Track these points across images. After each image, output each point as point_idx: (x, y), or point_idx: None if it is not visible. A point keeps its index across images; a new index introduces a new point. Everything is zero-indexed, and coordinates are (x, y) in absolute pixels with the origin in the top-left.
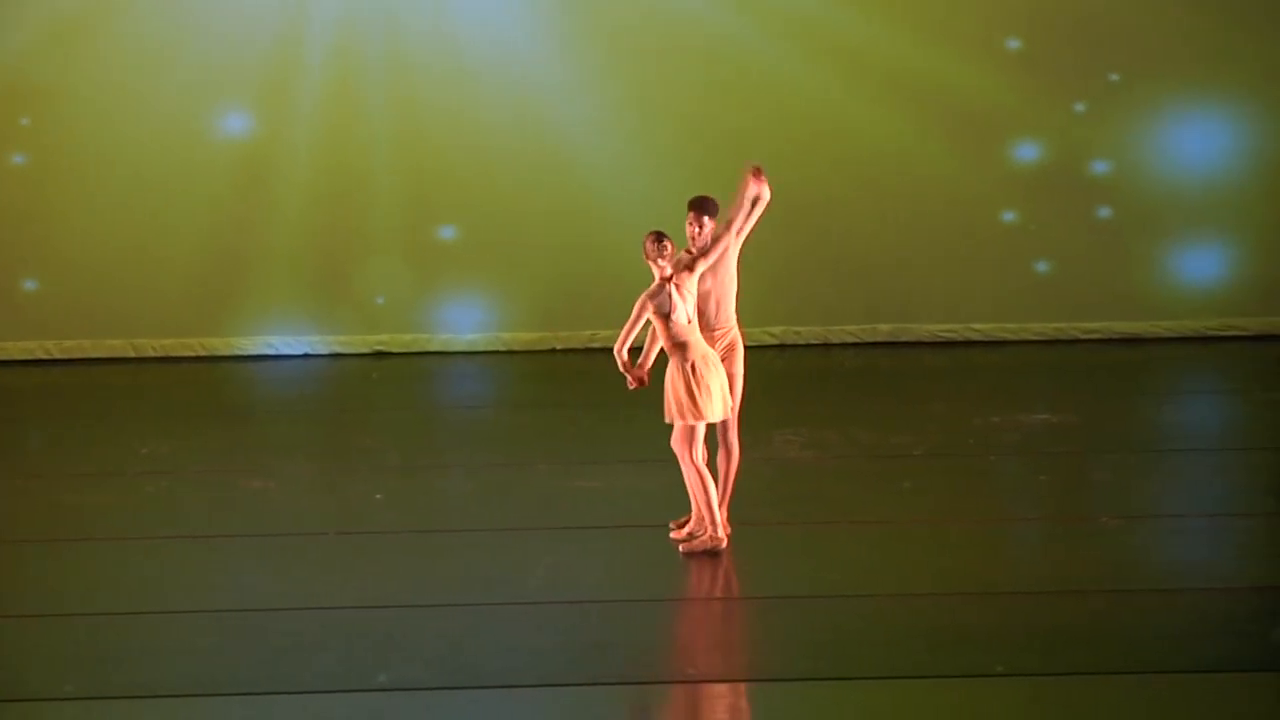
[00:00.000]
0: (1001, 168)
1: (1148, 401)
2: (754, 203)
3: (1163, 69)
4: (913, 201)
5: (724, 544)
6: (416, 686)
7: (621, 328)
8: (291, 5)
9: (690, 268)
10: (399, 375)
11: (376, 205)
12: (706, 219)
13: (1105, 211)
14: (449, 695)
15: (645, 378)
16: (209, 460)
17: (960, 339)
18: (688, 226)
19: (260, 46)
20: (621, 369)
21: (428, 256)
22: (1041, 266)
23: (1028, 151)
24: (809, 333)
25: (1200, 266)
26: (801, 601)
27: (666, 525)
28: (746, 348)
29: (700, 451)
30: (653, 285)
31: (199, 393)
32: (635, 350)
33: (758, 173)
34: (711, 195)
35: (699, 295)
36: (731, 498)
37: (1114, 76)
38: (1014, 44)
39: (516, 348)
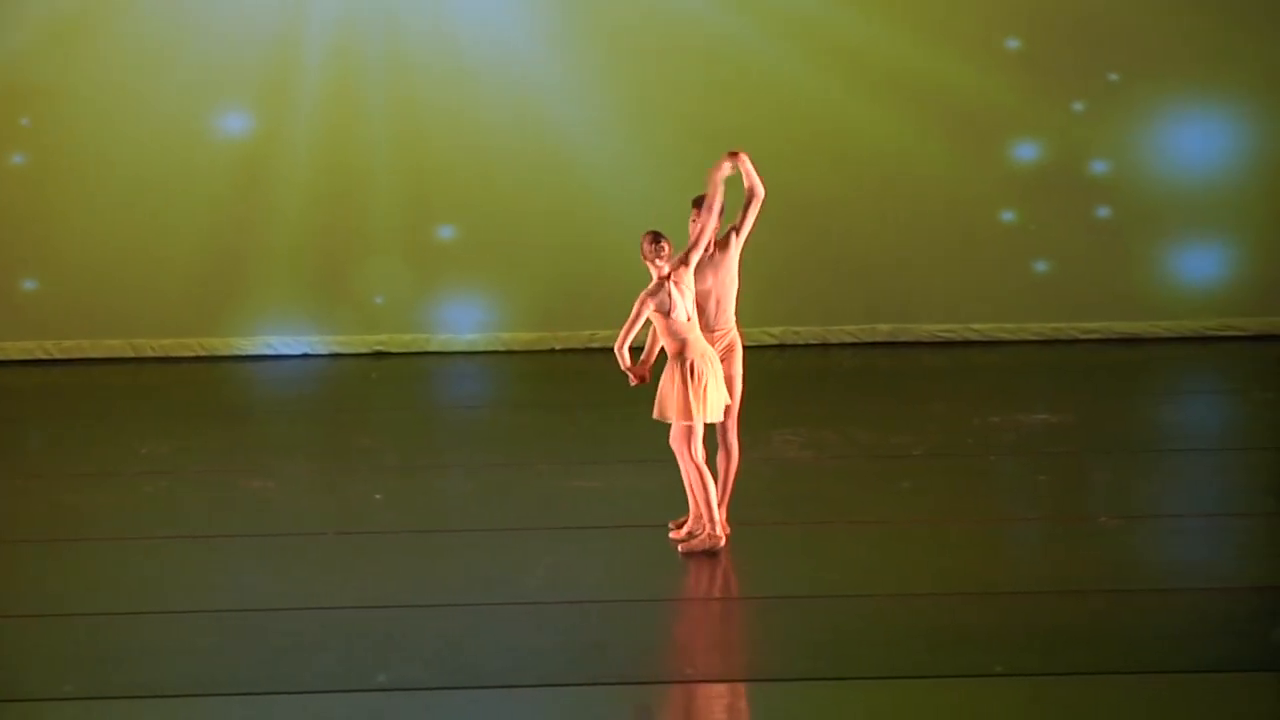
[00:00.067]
0: (1001, 167)
1: (1147, 401)
2: (749, 200)
3: (1162, 69)
4: (912, 201)
5: (722, 542)
6: (416, 686)
7: (621, 327)
8: (291, 5)
9: (685, 261)
10: (398, 375)
11: (376, 205)
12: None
13: (1104, 211)
14: (449, 695)
15: (646, 375)
16: (208, 460)
17: (959, 339)
18: (691, 224)
19: (260, 46)
20: (622, 367)
21: (427, 256)
22: (1041, 266)
23: (1027, 151)
24: (808, 333)
25: (1199, 266)
26: (801, 601)
27: (666, 525)
28: (746, 348)
29: (699, 449)
30: (651, 284)
31: (198, 393)
32: (635, 350)
33: (734, 155)
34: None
35: (699, 294)
36: (731, 498)
37: (1113, 76)
38: (1013, 44)
39: (516, 348)
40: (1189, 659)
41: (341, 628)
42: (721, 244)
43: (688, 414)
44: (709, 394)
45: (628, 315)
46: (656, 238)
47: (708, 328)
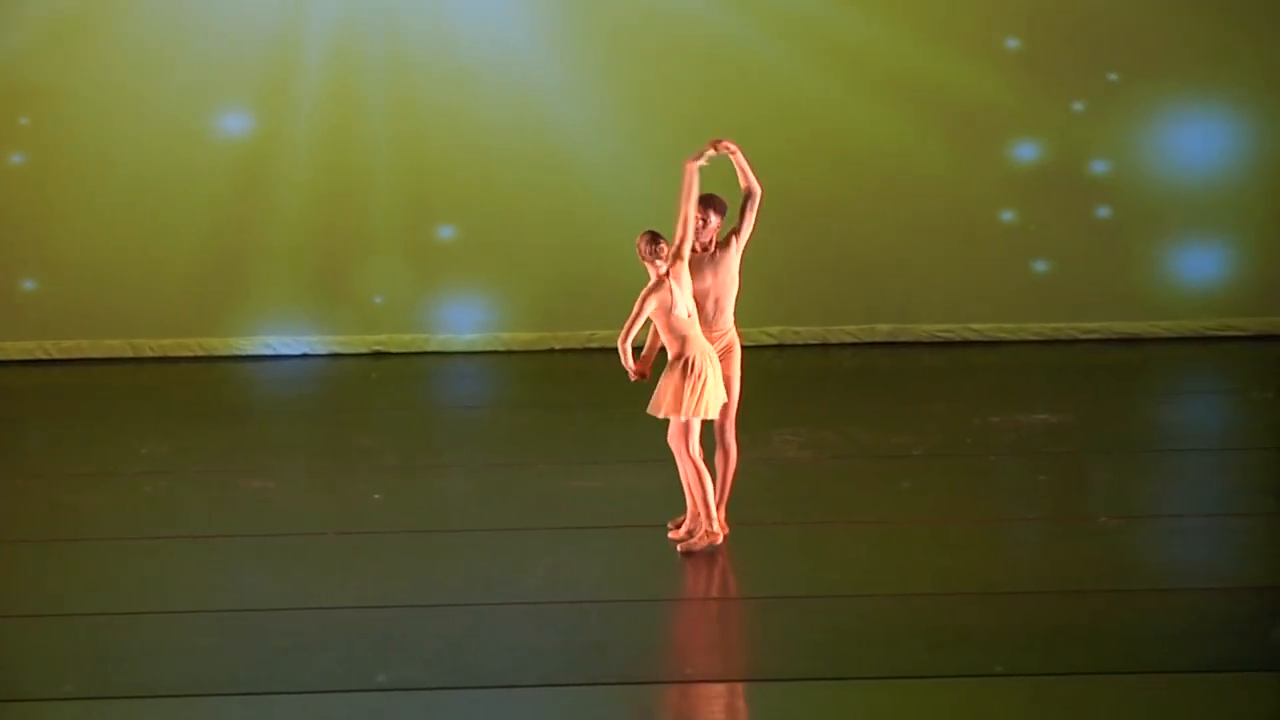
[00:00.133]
0: (1000, 167)
1: (1147, 401)
2: (746, 201)
3: (1162, 68)
4: (912, 201)
5: (720, 539)
6: (416, 686)
7: (621, 327)
8: (291, 5)
9: (679, 255)
10: (398, 375)
11: (376, 205)
12: (712, 214)
13: (1104, 211)
14: (448, 695)
15: (647, 371)
16: (208, 460)
17: (959, 339)
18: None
19: (260, 46)
20: (624, 362)
21: (427, 256)
22: (1040, 266)
23: (1027, 151)
24: (808, 332)
25: (1199, 266)
26: (800, 601)
27: (666, 525)
28: (744, 348)
29: (697, 446)
30: (651, 282)
31: (198, 393)
32: (636, 349)
33: (718, 143)
34: (719, 194)
35: (696, 293)
36: (730, 498)
37: (1113, 76)
38: (1013, 43)
39: (515, 348)
40: (1189, 659)
41: (341, 628)
42: (723, 244)
43: (680, 408)
44: (707, 391)
45: (627, 315)
46: (655, 238)
47: (706, 328)
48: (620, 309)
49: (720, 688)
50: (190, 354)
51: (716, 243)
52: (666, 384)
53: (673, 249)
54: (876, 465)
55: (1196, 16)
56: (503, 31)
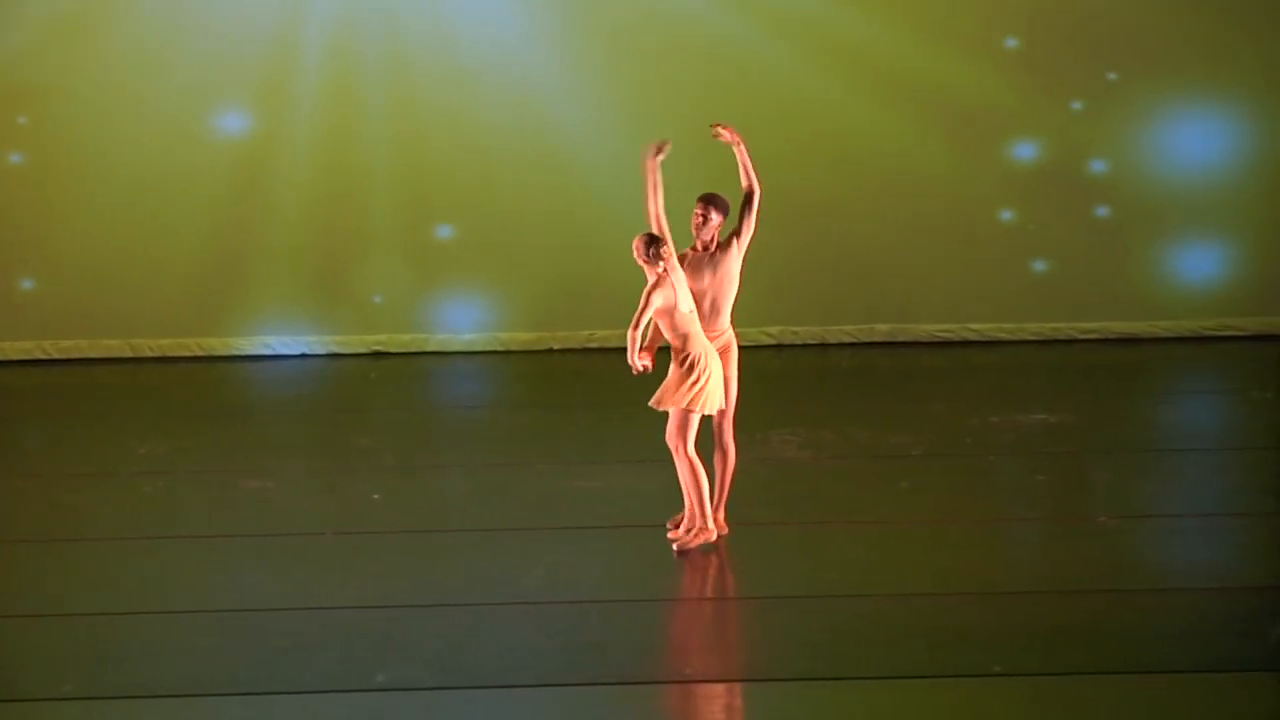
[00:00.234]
0: (1000, 167)
1: (1145, 401)
2: (747, 200)
3: (1161, 68)
4: (911, 201)
5: (714, 537)
6: (415, 686)
7: (620, 327)
8: (290, 5)
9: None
10: (397, 375)
11: (375, 205)
12: (713, 212)
13: (1103, 211)
14: (448, 695)
15: (650, 364)
16: (207, 460)
17: (958, 339)
18: (693, 217)
19: (259, 46)
20: (630, 352)
21: (426, 256)
22: (1039, 266)
23: (1026, 151)
24: (806, 332)
25: (1198, 266)
26: (799, 601)
27: (665, 525)
28: (743, 348)
29: (693, 443)
30: (653, 281)
31: (197, 393)
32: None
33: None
34: (721, 193)
35: (694, 294)
36: (729, 498)
37: (1112, 75)
38: (1012, 43)
39: (514, 348)
40: (1188, 659)
41: (341, 628)
42: (723, 245)
43: (683, 400)
44: (711, 384)
45: (626, 315)
46: (652, 239)
47: (703, 328)
48: (620, 309)
49: (720, 688)
50: (189, 354)
51: (717, 243)
52: (670, 379)
53: (667, 250)
54: (875, 465)
55: (1196, 16)
56: (503, 31)
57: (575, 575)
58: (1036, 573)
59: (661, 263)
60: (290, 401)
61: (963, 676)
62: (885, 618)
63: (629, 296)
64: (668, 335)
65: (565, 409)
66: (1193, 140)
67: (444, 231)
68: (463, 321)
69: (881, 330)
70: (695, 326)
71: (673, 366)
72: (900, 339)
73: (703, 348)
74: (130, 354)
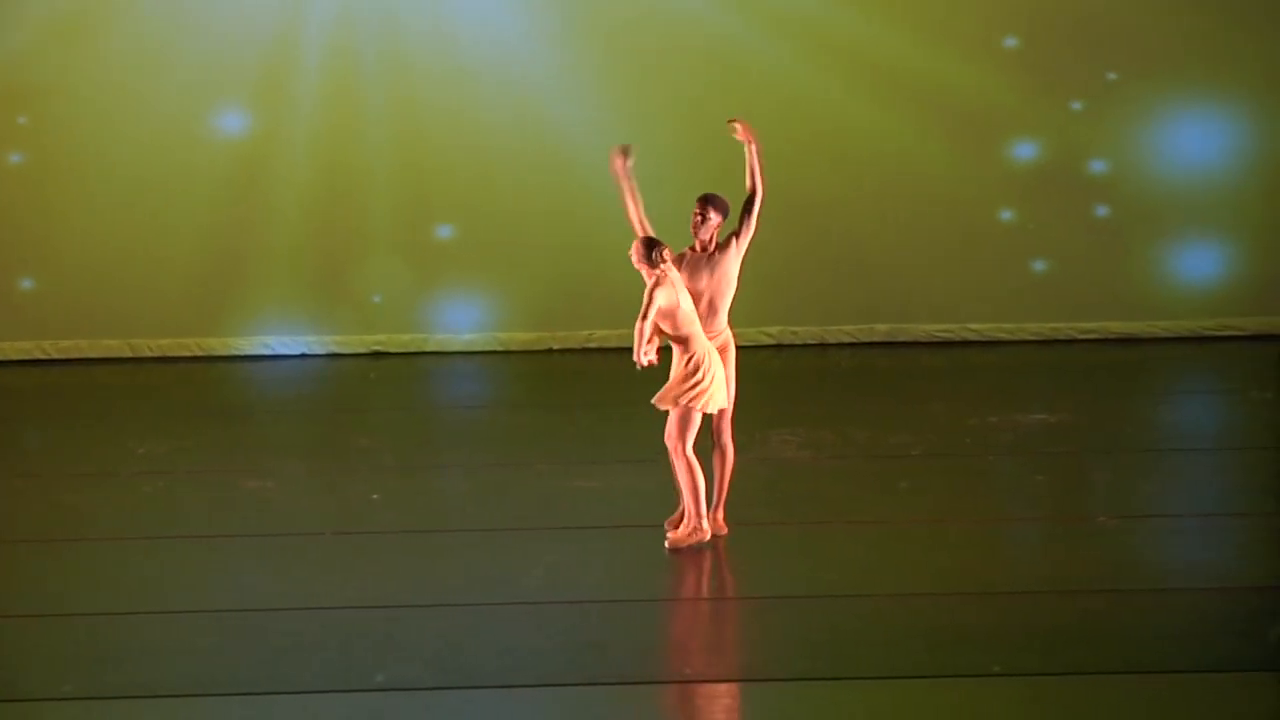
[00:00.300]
0: (999, 167)
1: (1145, 401)
2: (749, 201)
3: (1161, 68)
4: (911, 201)
5: (708, 537)
6: (415, 686)
7: (620, 328)
8: (290, 5)
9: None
10: (396, 375)
11: (374, 205)
12: (712, 212)
13: (1103, 211)
14: (447, 695)
15: (655, 359)
16: (206, 460)
17: (957, 339)
18: (692, 217)
19: (259, 46)
20: (636, 345)
21: (425, 256)
22: (1039, 266)
23: (1025, 150)
24: (806, 332)
25: (1197, 266)
26: (798, 601)
27: (664, 526)
28: (741, 348)
29: (692, 446)
30: (654, 280)
31: (196, 393)
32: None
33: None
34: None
35: (692, 294)
36: (728, 498)
37: (1112, 75)
38: (1012, 43)
39: (514, 348)
40: (1188, 659)
41: (340, 628)
42: (722, 246)
43: (685, 399)
44: (714, 384)
45: (626, 316)
46: (650, 243)
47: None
48: (619, 309)
49: (719, 688)
50: (189, 354)
51: (716, 243)
52: (673, 378)
53: (667, 251)
54: (875, 465)
55: (1196, 16)
56: (503, 31)
57: (575, 575)
58: (1036, 573)
59: (662, 265)
60: (290, 401)
61: (962, 676)
62: (885, 618)
63: (629, 296)
64: (670, 335)
65: (565, 409)
66: (1192, 140)
67: (444, 231)
68: (462, 321)
69: (881, 330)
70: (697, 326)
71: (676, 366)
72: (900, 339)
73: (705, 347)
74: (130, 354)
